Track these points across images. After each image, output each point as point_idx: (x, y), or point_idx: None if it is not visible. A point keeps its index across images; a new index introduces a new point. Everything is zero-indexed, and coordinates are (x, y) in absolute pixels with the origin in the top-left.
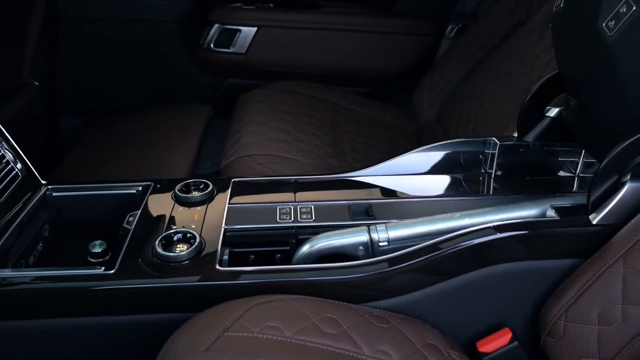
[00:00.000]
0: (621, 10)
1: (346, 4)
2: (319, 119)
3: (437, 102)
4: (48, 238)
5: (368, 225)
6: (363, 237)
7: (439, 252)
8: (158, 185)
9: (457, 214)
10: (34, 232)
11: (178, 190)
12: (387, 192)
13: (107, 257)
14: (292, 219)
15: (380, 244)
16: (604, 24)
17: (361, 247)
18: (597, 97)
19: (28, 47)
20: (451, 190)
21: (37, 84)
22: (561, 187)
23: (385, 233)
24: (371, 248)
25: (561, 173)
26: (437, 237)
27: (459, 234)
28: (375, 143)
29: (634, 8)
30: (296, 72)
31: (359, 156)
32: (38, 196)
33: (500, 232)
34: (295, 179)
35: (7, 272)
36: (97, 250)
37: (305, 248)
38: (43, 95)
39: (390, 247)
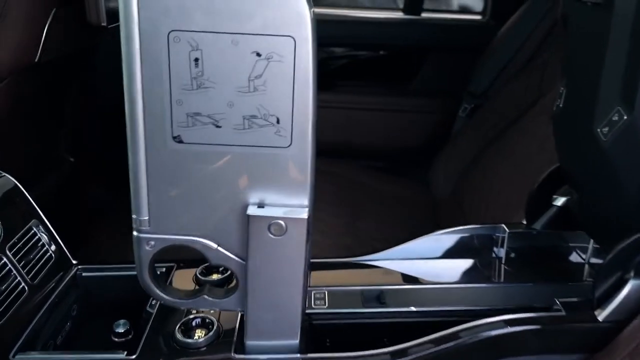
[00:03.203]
0: (614, 118)
1: (362, 82)
2: (335, 195)
3: (452, 178)
4: (76, 317)
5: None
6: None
7: (446, 345)
8: (180, 266)
9: None
10: (63, 313)
11: (199, 273)
12: (401, 277)
13: (130, 337)
14: (306, 304)
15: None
16: (598, 129)
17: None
18: (596, 195)
19: (66, 124)
20: (463, 276)
21: (72, 160)
22: (571, 274)
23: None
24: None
25: (571, 258)
26: None
27: (469, 326)
28: (391, 219)
29: (625, 117)
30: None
31: (374, 234)
32: (69, 277)
33: (511, 326)
34: (311, 261)
35: (35, 355)
36: (121, 330)
37: None
38: (77, 170)
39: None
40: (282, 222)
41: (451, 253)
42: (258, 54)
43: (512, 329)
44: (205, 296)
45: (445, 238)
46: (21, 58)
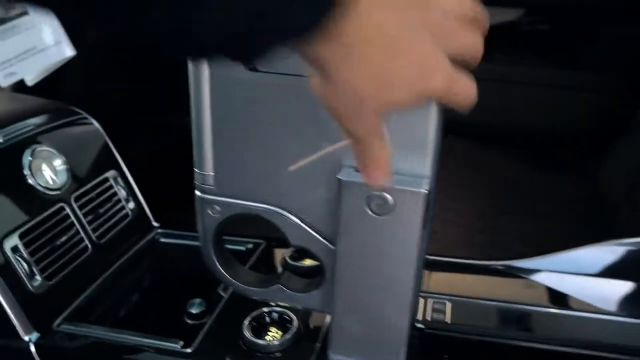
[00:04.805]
0: None
1: (517, 51)
2: (472, 183)
3: (635, 174)
4: (147, 288)
5: None
6: None
7: None
8: (269, 245)
9: None
10: (132, 281)
11: (288, 257)
12: (554, 297)
13: (205, 320)
14: (420, 316)
15: None
16: None
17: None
18: None
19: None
20: None
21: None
22: None
23: None
24: None
25: None
26: None
27: None
28: (543, 219)
29: None
30: (451, 128)
31: (519, 235)
32: (145, 240)
33: None
34: (433, 259)
35: (83, 328)
36: (194, 310)
37: None
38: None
39: None
40: (388, 196)
41: (630, 273)
42: None
43: None
44: (281, 286)
45: (624, 251)
46: None
